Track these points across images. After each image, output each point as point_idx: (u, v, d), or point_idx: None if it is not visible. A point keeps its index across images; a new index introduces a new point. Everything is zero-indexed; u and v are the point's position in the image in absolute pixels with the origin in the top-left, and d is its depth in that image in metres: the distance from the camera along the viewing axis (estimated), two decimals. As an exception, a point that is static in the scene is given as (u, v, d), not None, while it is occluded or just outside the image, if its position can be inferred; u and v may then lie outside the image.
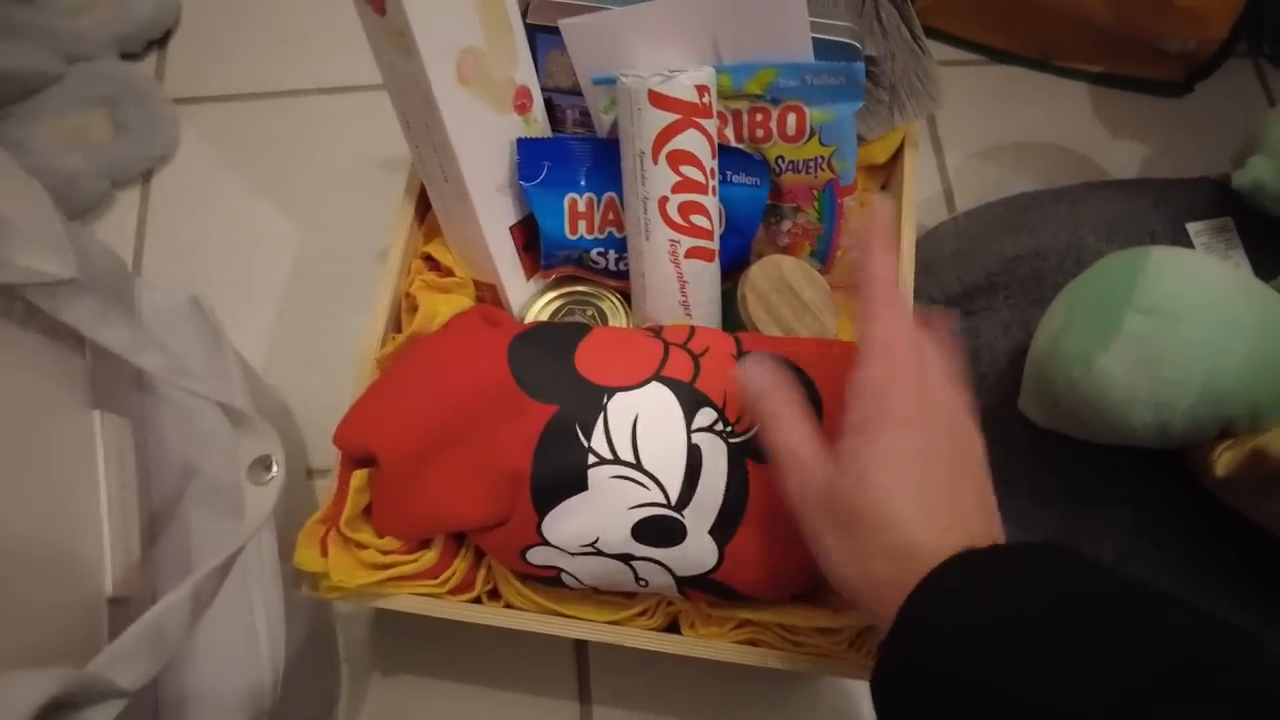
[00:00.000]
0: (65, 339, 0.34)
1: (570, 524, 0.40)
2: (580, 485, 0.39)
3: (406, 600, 0.43)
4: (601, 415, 0.39)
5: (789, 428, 0.35)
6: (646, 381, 0.40)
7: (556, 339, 0.42)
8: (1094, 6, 0.66)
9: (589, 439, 0.39)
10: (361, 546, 0.43)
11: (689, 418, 0.40)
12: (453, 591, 0.44)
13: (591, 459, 0.39)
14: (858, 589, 0.32)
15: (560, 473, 0.39)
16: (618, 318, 0.50)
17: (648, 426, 0.39)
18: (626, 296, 0.51)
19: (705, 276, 0.47)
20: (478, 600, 0.45)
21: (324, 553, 0.42)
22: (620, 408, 0.39)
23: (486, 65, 0.44)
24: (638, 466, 0.39)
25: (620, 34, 0.45)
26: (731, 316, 0.49)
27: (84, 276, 0.33)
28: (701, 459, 0.39)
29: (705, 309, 0.48)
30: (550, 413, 0.39)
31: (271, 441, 0.35)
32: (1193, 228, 0.58)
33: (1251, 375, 0.43)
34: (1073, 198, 0.63)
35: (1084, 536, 0.54)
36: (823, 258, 0.51)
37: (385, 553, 0.43)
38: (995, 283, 0.60)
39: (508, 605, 0.45)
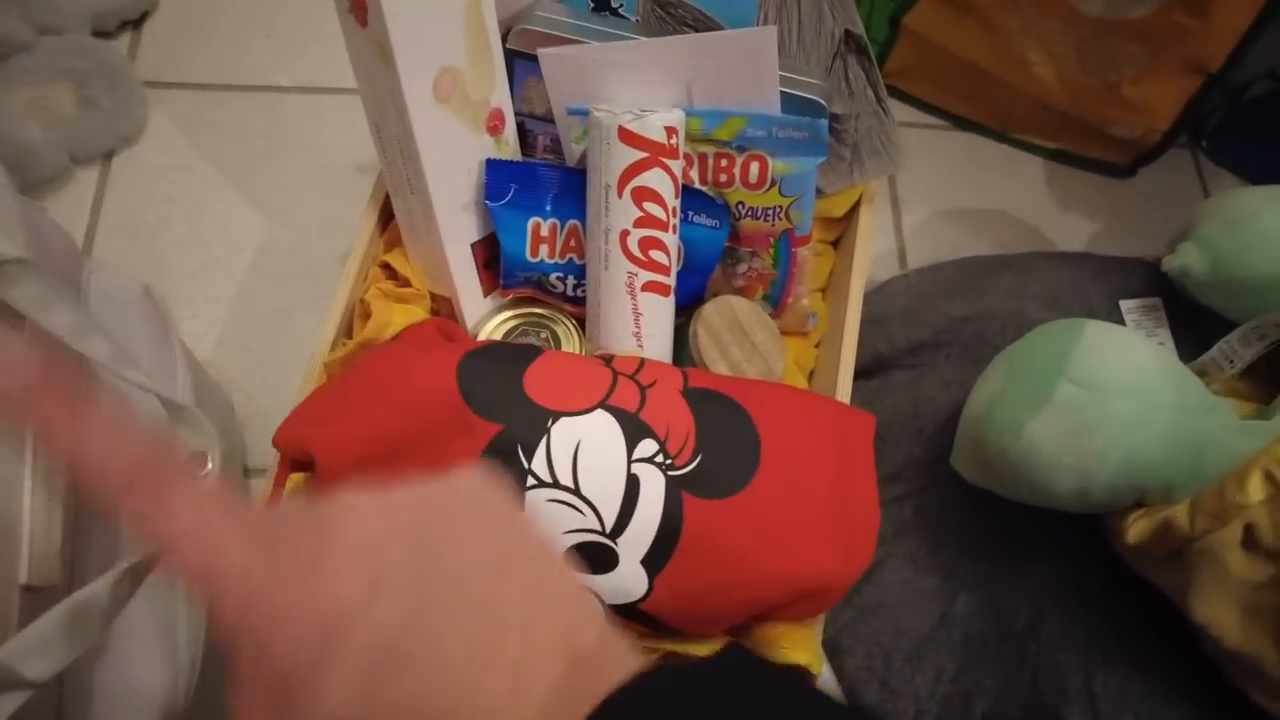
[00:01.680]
0: (3, 317, 0.33)
1: None
2: None
3: (332, 608, 0.43)
4: (545, 438, 0.40)
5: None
6: (592, 409, 0.41)
7: (507, 359, 0.43)
8: (1051, 89, 0.69)
9: (529, 461, 0.39)
10: (291, 550, 0.42)
11: (630, 447, 0.40)
12: (380, 603, 0.44)
13: (530, 481, 0.39)
14: None
15: None
16: (571, 342, 0.51)
17: (589, 453, 0.40)
18: (582, 322, 0.51)
19: (660, 310, 0.48)
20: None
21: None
22: (564, 432, 0.40)
23: (464, 85, 0.45)
24: (575, 492, 0.39)
25: (597, 68, 0.46)
26: (683, 352, 0.50)
27: (32, 256, 0.33)
28: (640, 489, 0.40)
29: (658, 342, 0.49)
30: (494, 431, 0.40)
31: (209, 437, 0.35)
32: (1125, 305, 0.61)
33: (1166, 452, 0.46)
34: (1019, 265, 0.66)
35: (1007, 591, 0.56)
36: (775, 302, 0.53)
37: (315, 558, 0.42)
38: (940, 340, 0.62)
39: (435, 620, 0.45)
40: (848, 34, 0.49)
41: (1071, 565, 0.55)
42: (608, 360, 0.44)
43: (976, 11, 0.67)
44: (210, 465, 0.34)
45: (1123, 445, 0.46)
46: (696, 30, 0.48)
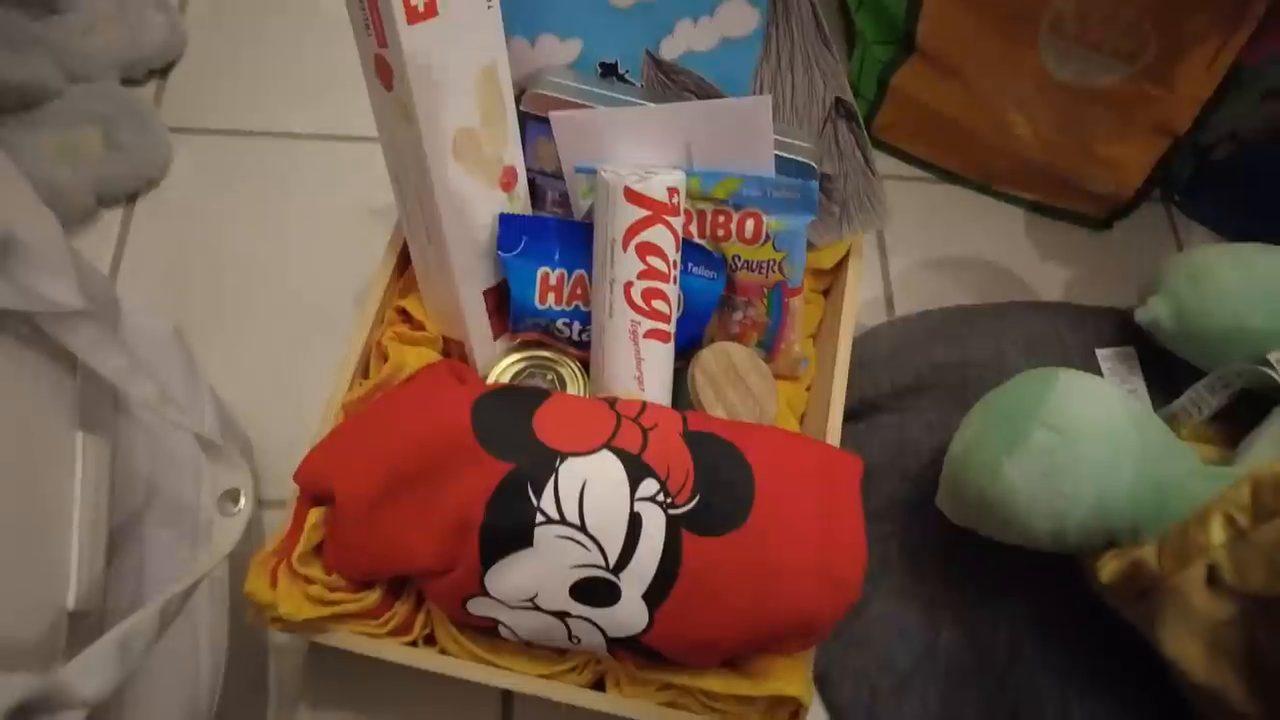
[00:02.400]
0: (60, 361, 0.36)
1: (513, 578, 0.42)
2: (526, 541, 0.42)
3: (346, 637, 0.45)
4: (553, 477, 0.42)
5: None
6: (598, 449, 0.44)
7: (518, 402, 0.46)
8: (1029, 147, 0.73)
9: (539, 498, 0.42)
10: (310, 581, 0.45)
11: (634, 487, 0.43)
12: (392, 633, 0.46)
13: (540, 518, 0.42)
14: None
15: (509, 528, 0.42)
16: (576, 384, 0.54)
17: (594, 492, 0.42)
18: (586, 366, 0.54)
19: (660, 356, 0.51)
20: (414, 644, 0.47)
21: (274, 584, 0.44)
22: (571, 472, 0.43)
23: (479, 144, 0.49)
24: (582, 529, 0.42)
25: (604, 131, 0.49)
26: (681, 395, 0.53)
27: (87, 305, 0.35)
28: (641, 526, 0.42)
29: (658, 386, 0.52)
30: (506, 470, 0.42)
31: (242, 475, 0.37)
32: (1101, 353, 0.65)
33: (1133, 495, 0.49)
34: (1000, 314, 0.69)
35: (988, 625, 0.58)
36: (768, 348, 0.56)
37: (332, 589, 0.45)
38: (924, 384, 0.65)
39: (442, 651, 0.47)
40: (838, 101, 0.52)
41: (1049, 601, 0.57)
42: (612, 403, 0.47)
43: (958, 73, 0.72)
44: (243, 502, 0.37)
45: (1093, 488, 0.49)
46: (697, 95, 0.52)
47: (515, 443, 0.43)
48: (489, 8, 0.46)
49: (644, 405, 0.47)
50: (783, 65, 0.51)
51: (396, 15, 0.42)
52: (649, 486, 0.43)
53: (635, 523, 0.42)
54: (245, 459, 0.40)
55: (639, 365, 0.51)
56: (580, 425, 0.45)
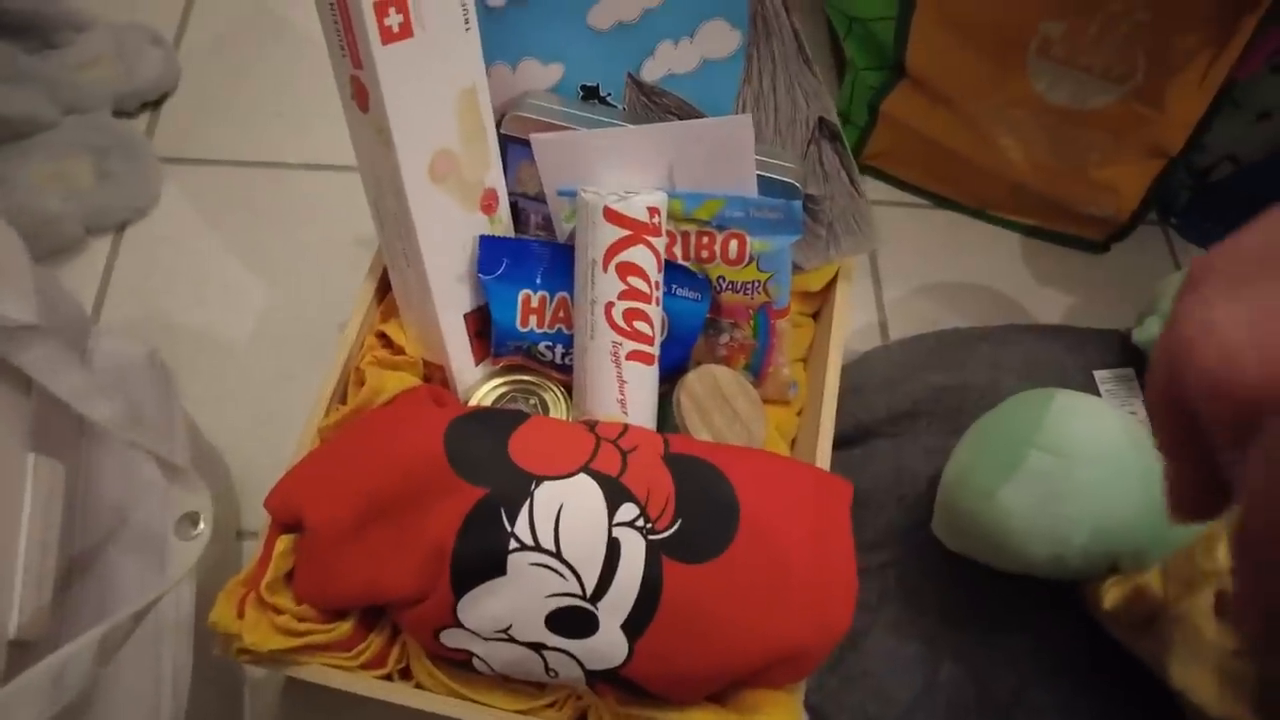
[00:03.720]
0: (11, 379, 0.35)
1: (486, 608, 0.41)
2: (499, 569, 0.40)
3: (317, 670, 0.43)
4: (528, 502, 0.41)
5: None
6: (575, 473, 0.42)
7: (494, 424, 0.45)
8: (1023, 171, 0.73)
9: (513, 524, 0.40)
10: (279, 611, 0.43)
11: (611, 511, 0.41)
12: (365, 666, 0.44)
13: (513, 544, 0.40)
14: None
15: (481, 555, 0.40)
16: (559, 409, 0.53)
17: (570, 517, 0.41)
18: (569, 389, 0.53)
19: (644, 379, 0.50)
20: (388, 677, 0.45)
21: (240, 614, 0.43)
22: (547, 496, 0.41)
23: (459, 167, 0.48)
24: (557, 555, 0.40)
25: (586, 153, 0.49)
26: (666, 420, 0.51)
27: (44, 322, 0.35)
28: (620, 552, 0.41)
29: (642, 409, 0.51)
30: (479, 495, 0.41)
31: (202, 498, 0.36)
32: (1100, 375, 0.63)
33: (1136, 518, 0.47)
34: (996, 338, 0.68)
35: (989, 658, 0.56)
36: (756, 371, 0.55)
37: (301, 620, 0.43)
38: (920, 410, 0.64)
39: (418, 685, 0.45)
40: (821, 121, 0.52)
41: (1052, 632, 0.55)
42: (591, 426, 0.46)
43: (948, 99, 0.71)
44: (202, 526, 0.36)
45: (1092, 511, 0.48)
46: (679, 117, 0.52)
47: (489, 466, 0.42)
48: (467, 29, 0.46)
49: (625, 428, 0.46)
50: (765, 86, 0.51)
51: (371, 36, 0.42)
52: (628, 511, 0.42)
53: (613, 549, 0.41)
54: (215, 483, 0.39)
55: (621, 388, 0.49)
56: (557, 448, 0.43)
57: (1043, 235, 0.79)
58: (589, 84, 0.53)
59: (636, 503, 0.42)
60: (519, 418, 0.45)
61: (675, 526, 0.41)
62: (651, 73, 0.52)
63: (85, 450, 0.43)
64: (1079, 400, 0.51)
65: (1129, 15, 0.59)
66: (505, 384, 0.53)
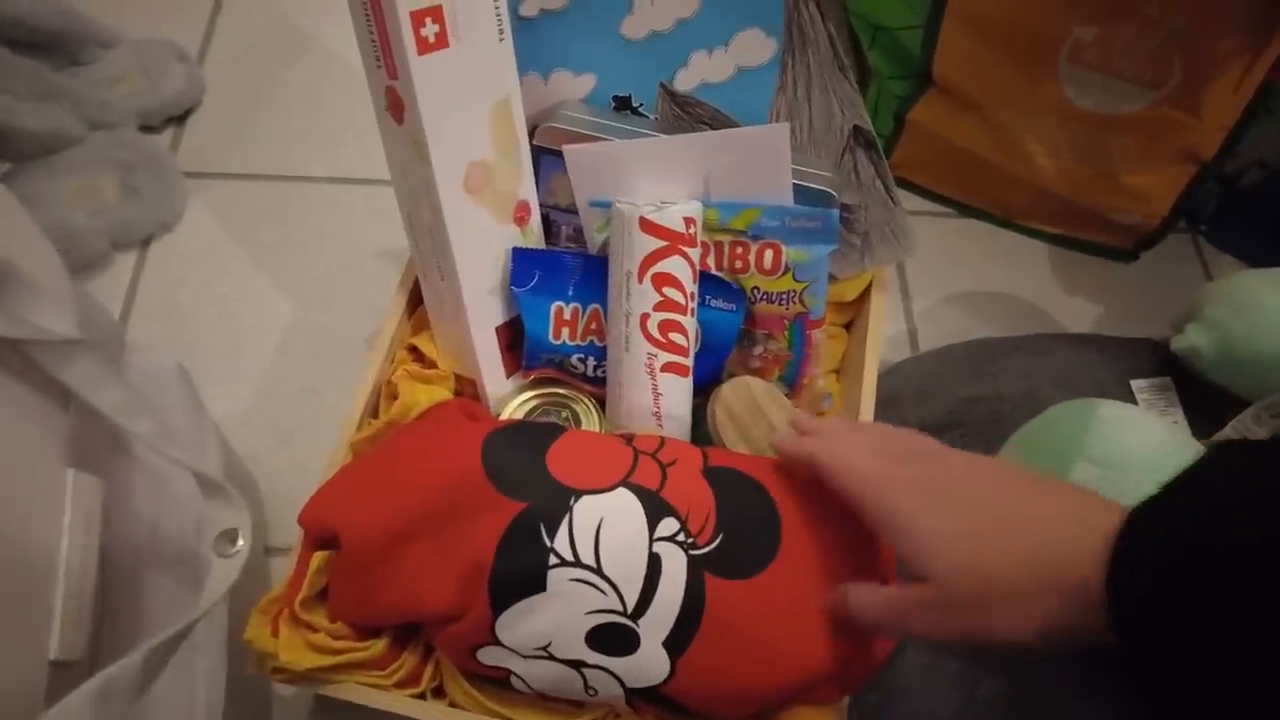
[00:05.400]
0: (52, 394, 0.35)
1: (525, 625, 0.40)
2: (539, 586, 0.40)
3: (351, 689, 0.43)
4: (567, 516, 0.40)
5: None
6: (614, 486, 0.42)
7: (531, 438, 0.44)
8: (1051, 178, 0.72)
9: (552, 539, 0.40)
10: (313, 629, 0.43)
11: (652, 526, 0.41)
12: (399, 684, 0.44)
13: (553, 559, 0.40)
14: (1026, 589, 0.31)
15: (520, 571, 0.40)
16: (591, 421, 0.52)
17: (611, 531, 0.40)
18: (601, 402, 0.52)
19: (678, 390, 0.49)
20: (422, 695, 0.44)
21: (275, 632, 0.42)
22: (586, 510, 0.40)
23: (493, 178, 0.48)
24: (598, 571, 0.40)
25: (619, 164, 0.49)
26: (702, 430, 0.51)
27: (85, 336, 0.34)
28: (661, 568, 0.40)
29: (677, 421, 0.50)
30: (518, 509, 0.40)
31: (241, 515, 0.35)
32: (1136, 384, 0.62)
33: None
34: (1030, 347, 0.67)
35: (1031, 676, 0.55)
36: (790, 383, 0.54)
37: (335, 638, 0.43)
38: (954, 421, 0.63)
39: (452, 704, 0.44)
40: (856, 129, 0.51)
41: (1098, 649, 0.54)
42: (629, 439, 0.45)
43: (976, 106, 0.71)
44: (241, 543, 0.35)
45: (1141, 525, 0.46)
46: (712, 127, 0.51)
47: (528, 480, 0.41)
48: (501, 40, 0.45)
49: (663, 440, 0.45)
50: (799, 94, 0.51)
51: (407, 46, 0.41)
52: (669, 526, 0.41)
53: (655, 565, 0.40)
54: (246, 499, 0.38)
55: (656, 400, 0.49)
56: (596, 461, 0.43)
57: (1070, 244, 0.78)
58: (621, 94, 0.52)
59: (677, 517, 0.41)
60: (555, 431, 0.45)
61: (717, 541, 0.41)
62: (685, 82, 0.51)
63: (117, 465, 0.42)
64: (1125, 410, 0.50)
65: (1165, 20, 0.58)
66: (537, 397, 0.53)
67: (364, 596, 0.42)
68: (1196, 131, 0.64)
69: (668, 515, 0.41)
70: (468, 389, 0.53)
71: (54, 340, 0.32)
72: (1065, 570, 0.30)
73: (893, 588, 0.36)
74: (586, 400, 0.53)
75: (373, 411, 0.52)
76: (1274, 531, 0.26)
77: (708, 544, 0.41)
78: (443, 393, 0.52)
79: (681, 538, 0.41)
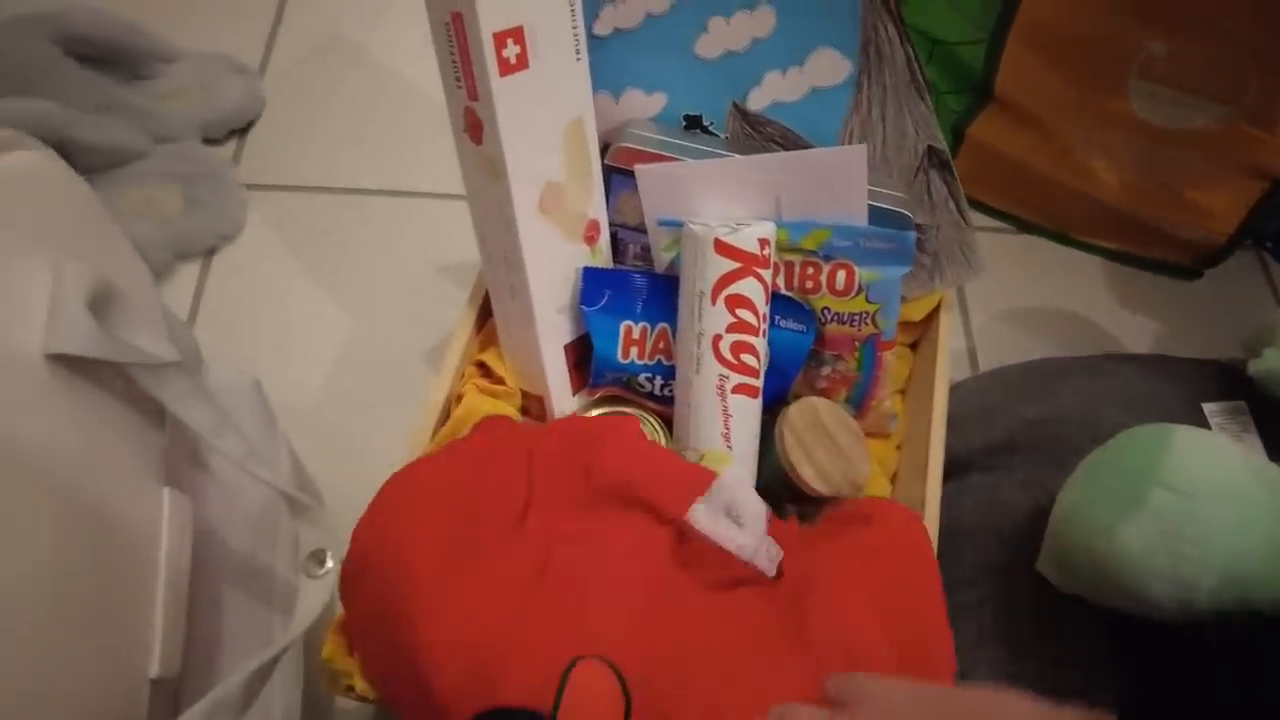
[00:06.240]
0: (149, 414, 0.35)
1: None
2: None
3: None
4: None
5: None
6: None
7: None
8: (1113, 193, 0.71)
9: None
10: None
11: None
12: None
13: None
14: None
15: None
16: (656, 439, 0.52)
17: None
18: (666, 421, 0.52)
19: (748, 412, 0.49)
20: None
21: (350, 652, 0.42)
22: None
23: (565, 198, 0.48)
24: None
25: (690, 184, 0.48)
26: (768, 452, 0.50)
27: (181, 358, 0.35)
28: None
29: (744, 442, 0.49)
30: None
31: (329, 535, 0.36)
32: (1208, 408, 0.61)
33: (1271, 561, 0.45)
34: (1092, 368, 0.66)
35: (1096, 703, 0.54)
36: (858, 404, 0.53)
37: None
38: (1016, 442, 0.62)
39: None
40: (930, 149, 0.51)
41: (1166, 675, 0.53)
42: None
43: (1037, 121, 0.70)
44: (330, 564, 0.35)
45: (1222, 554, 0.45)
46: (783, 146, 0.51)
47: None
48: (578, 60, 0.46)
49: None
50: (874, 114, 0.50)
51: (490, 67, 0.42)
52: None
53: None
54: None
55: (726, 422, 0.48)
56: None
57: (1129, 260, 0.77)
58: (692, 113, 0.52)
59: None
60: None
61: None
62: (757, 101, 0.51)
63: (195, 481, 0.43)
64: (1202, 436, 0.49)
65: (1242, 34, 0.57)
66: (603, 414, 0.53)
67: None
68: (1270, 147, 0.63)
69: None
70: (534, 406, 0.53)
71: (158, 364, 0.32)
72: None
73: None
74: (652, 419, 0.53)
75: (444, 423, 0.52)
76: None
77: None
78: (508, 408, 0.51)
79: None
